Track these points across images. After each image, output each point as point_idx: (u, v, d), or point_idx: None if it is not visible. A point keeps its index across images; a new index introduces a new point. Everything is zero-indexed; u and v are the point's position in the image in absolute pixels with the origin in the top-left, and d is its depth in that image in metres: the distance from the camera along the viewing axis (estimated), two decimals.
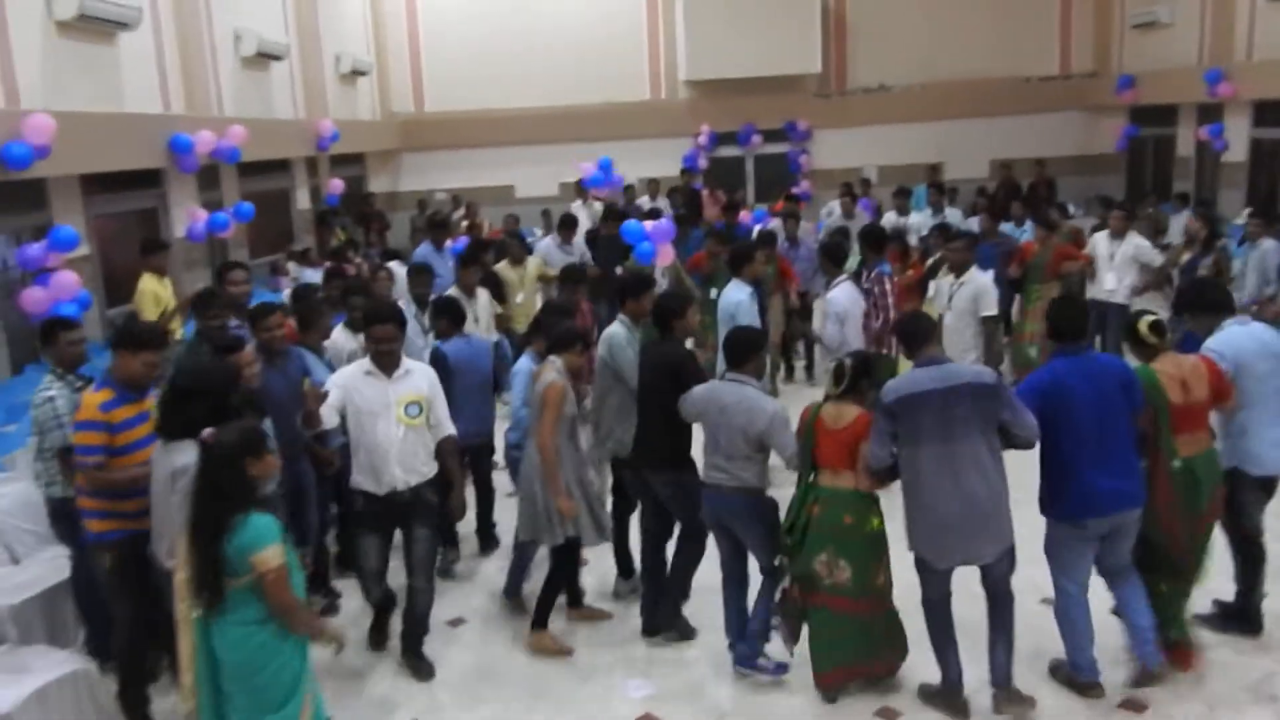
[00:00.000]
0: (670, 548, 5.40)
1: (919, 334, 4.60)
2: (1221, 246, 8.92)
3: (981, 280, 7.36)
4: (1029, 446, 4.43)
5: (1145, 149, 16.50)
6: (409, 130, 17.58)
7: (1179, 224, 10.41)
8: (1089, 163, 17.25)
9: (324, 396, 4.94)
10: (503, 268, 9.18)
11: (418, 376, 5.06)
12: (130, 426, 4.57)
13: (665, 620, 5.37)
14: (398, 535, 5.14)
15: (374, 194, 16.82)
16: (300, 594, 3.74)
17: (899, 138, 17.13)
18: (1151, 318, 4.82)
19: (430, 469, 5.04)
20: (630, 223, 9.94)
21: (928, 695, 4.67)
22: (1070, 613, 4.63)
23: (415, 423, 4.93)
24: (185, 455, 4.02)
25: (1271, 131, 13.11)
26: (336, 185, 14.62)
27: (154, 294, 8.07)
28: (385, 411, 4.90)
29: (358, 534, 5.09)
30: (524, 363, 5.78)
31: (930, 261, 9.35)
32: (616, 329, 5.74)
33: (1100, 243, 9.28)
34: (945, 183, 13.21)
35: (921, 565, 4.55)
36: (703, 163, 17.36)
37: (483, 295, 7.98)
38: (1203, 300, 5.28)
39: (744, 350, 4.91)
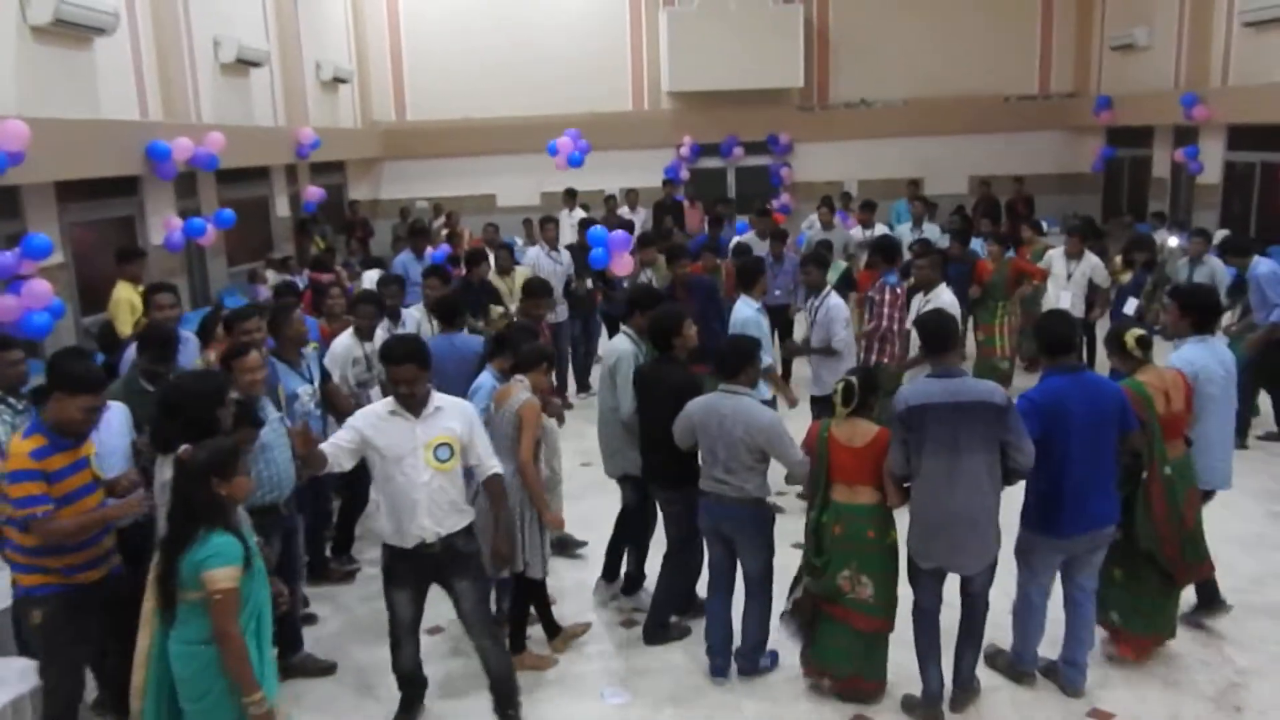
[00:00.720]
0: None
1: (944, 338, 4.58)
2: (1161, 263, 9.10)
3: (946, 299, 7.42)
4: (1023, 474, 4.47)
5: (1121, 169, 16.68)
6: (390, 138, 17.55)
7: (1158, 242, 10.61)
8: (1067, 181, 17.41)
9: (309, 435, 4.55)
10: (491, 278, 9.12)
11: (449, 415, 4.49)
12: (64, 476, 4.10)
13: (660, 635, 5.42)
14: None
15: (358, 201, 16.77)
16: (262, 642, 3.71)
17: (880, 153, 17.27)
18: (1139, 332, 4.94)
19: (463, 517, 4.57)
20: (595, 228, 9.93)
21: (909, 705, 4.72)
22: (1027, 614, 4.79)
23: (445, 467, 4.43)
24: (169, 470, 4.00)
25: (1245, 155, 13.27)
26: (313, 192, 14.57)
27: (129, 302, 7.99)
28: (411, 455, 4.39)
29: (386, 589, 4.61)
30: (485, 379, 5.53)
31: (913, 279, 9.47)
32: (624, 345, 5.63)
33: (1057, 261, 9.52)
34: (927, 197, 13.27)
35: (913, 569, 4.62)
36: (684, 174, 17.41)
37: None
38: (1201, 306, 5.29)
39: (737, 361, 4.88)
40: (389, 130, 17.60)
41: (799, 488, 5.83)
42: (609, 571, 5.95)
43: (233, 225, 11.36)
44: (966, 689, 4.71)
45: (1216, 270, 8.47)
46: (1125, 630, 5.02)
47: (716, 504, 4.86)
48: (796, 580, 4.86)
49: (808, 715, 4.75)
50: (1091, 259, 9.42)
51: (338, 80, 15.80)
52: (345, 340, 6.59)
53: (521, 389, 5.11)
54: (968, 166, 17.09)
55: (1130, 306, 8.76)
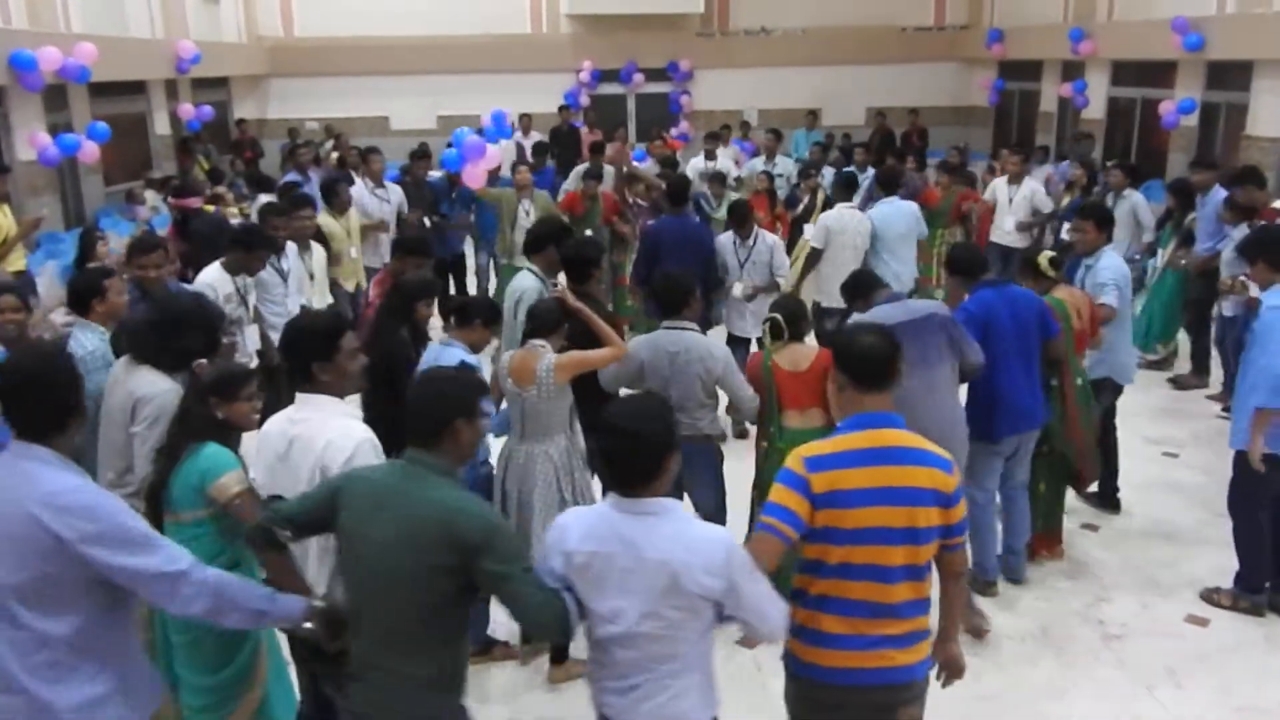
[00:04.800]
0: None
1: (866, 286, 4.87)
2: (1098, 190, 9.39)
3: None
4: (975, 375, 4.69)
5: (1011, 102, 17.02)
6: (277, 55, 16.81)
7: (1040, 175, 10.84)
8: (961, 114, 17.72)
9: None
10: (323, 218, 7.73)
11: None
12: None
13: None
14: None
15: (246, 120, 16.08)
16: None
17: (779, 82, 17.23)
18: (1051, 253, 5.35)
19: None
20: (448, 152, 9.25)
21: None
22: (978, 519, 4.98)
23: None
24: (154, 384, 3.77)
25: (1127, 90, 13.70)
26: (187, 110, 13.92)
27: None
28: None
29: None
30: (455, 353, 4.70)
31: (800, 208, 9.61)
32: (529, 281, 5.24)
33: (1000, 188, 9.73)
34: (781, 130, 12.98)
35: None
36: (584, 100, 17.12)
37: (318, 251, 6.98)
38: (1113, 221, 5.90)
39: (680, 296, 4.69)
40: (276, 46, 16.84)
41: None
42: None
43: (107, 140, 10.79)
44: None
45: (1138, 205, 8.67)
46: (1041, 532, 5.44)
47: None
48: (751, 525, 4.76)
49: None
50: (1031, 183, 9.57)
51: None
52: (214, 273, 5.75)
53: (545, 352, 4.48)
54: (865, 98, 17.18)
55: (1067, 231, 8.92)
